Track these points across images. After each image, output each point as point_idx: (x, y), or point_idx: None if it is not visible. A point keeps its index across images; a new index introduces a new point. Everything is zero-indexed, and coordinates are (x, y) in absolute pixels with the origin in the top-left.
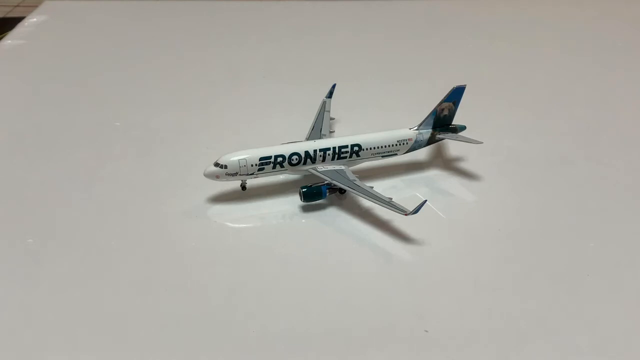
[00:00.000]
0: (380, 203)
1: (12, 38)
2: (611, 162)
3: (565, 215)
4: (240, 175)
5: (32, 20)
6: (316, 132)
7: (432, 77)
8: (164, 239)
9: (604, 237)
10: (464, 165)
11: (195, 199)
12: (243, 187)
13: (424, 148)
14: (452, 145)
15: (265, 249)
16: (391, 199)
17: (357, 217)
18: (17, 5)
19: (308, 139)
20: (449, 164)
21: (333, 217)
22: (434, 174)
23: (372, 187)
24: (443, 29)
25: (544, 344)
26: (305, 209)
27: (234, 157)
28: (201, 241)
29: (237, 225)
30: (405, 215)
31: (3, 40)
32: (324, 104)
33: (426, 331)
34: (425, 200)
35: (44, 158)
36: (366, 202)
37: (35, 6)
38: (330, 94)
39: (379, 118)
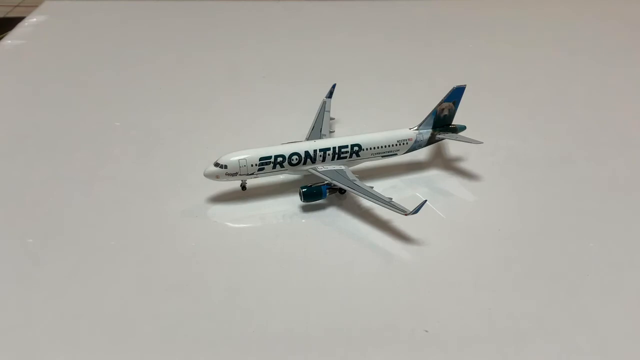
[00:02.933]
0: (380, 203)
1: (12, 38)
2: (611, 162)
3: (565, 215)
4: (240, 175)
5: (32, 20)
6: (316, 132)
7: (432, 76)
8: (164, 238)
9: (604, 237)
10: (464, 165)
11: (195, 199)
12: (243, 187)
13: (423, 148)
14: (452, 145)
15: (265, 248)
16: (391, 199)
17: (357, 217)
18: (17, 5)
19: (308, 139)
20: (449, 164)
21: (333, 217)
22: (434, 174)
23: (372, 187)
24: (443, 29)
25: (544, 344)
26: (305, 209)
27: (234, 157)
28: (201, 241)
29: (237, 225)
30: (405, 215)
31: (3, 40)
32: (324, 103)
33: (426, 331)
34: (425, 200)
35: (44, 158)
36: (366, 202)
37: (35, 6)
38: (330, 94)
39: (379, 118)
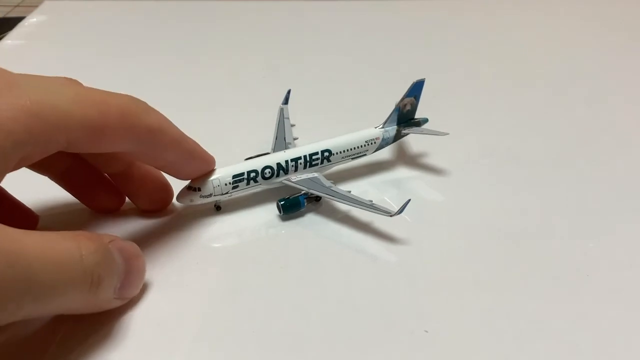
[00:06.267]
0: (362, 207)
1: (12, 38)
2: (611, 161)
3: (565, 215)
4: (214, 196)
5: (32, 20)
6: (280, 141)
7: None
8: (164, 239)
9: (604, 237)
10: (463, 165)
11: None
12: (217, 207)
13: (392, 145)
14: (451, 146)
15: (262, 250)
16: (371, 201)
17: (351, 220)
18: (17, 5)
19: (274, 149)
20: (447, 164)
21: (329, 220)
22: (432, 175)
23: (349, 192)
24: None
25: (544, 344)
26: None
27: (206, 178)
28: (200, 242)
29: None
30: (391, 216)
31: (3, 40)
32: (281, 110)
33: (426, 331)
34: (409, 200)
35: None
36: (345, 206)
37: (35, 6)
38: (286, 101)
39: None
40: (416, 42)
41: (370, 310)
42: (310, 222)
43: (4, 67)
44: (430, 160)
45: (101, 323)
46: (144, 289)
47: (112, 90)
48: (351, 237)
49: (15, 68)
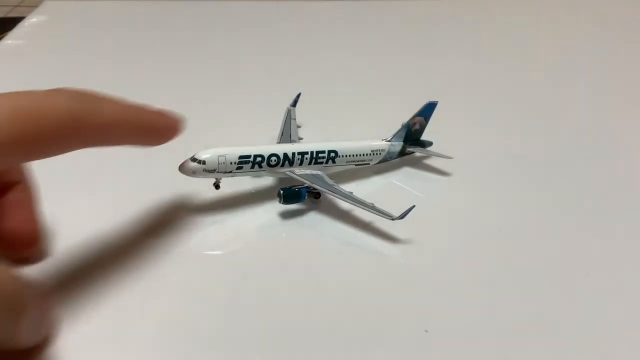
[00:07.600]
0: (364, 207)
1: (12, 38)
2: (611, 162)
3: (565, 215)
4: (218, 172)
5: (32, 20)
6: (286, 137)
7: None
8: (166, 239)
9: (604, 237)
10: (462, 165)
11: (197, 199)
12: (217, 185)
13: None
14: (451, 146)
15: (264, 252)
16: (373, 203)
17: (352, 220)
18: (17, 5)
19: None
20: (445, 164)
21: (329, 220)
22: (432, 175)
23: (351, 193)
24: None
25: (544, 343)
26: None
27: (213, 153)
28: (202, 242)
29: (238, 228)
30: (392, 220)
31: (3, 40)
32: (288, 112)
33: (426, 331)
34: (414, 206)
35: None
36: (347, 205)
37: (35, 6)
38: (294, 103)
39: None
40: (417, 42)
41: (370, 310)
42: (311, 222)
43: (4, 67)
44: (430, 161)
45: (101, 321)
46: (144, 291)
47: (113, 89)
48: (351, 237)
49: (16, 68)
